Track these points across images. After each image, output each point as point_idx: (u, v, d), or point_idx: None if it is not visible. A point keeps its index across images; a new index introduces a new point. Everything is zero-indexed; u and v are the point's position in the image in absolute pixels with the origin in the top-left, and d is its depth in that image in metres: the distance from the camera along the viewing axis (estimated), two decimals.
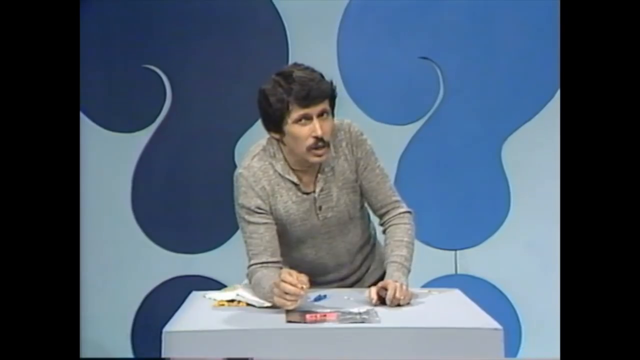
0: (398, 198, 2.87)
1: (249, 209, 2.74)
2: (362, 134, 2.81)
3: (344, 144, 2.78)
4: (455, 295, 2.77)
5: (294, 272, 2.47)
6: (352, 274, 2.92)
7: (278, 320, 2.38)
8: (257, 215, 2.74)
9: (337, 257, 2.85)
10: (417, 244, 4.31)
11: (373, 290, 2.60)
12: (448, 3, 4.33)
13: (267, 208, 2.75)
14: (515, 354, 4.29)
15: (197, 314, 2.55)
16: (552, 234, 4.07)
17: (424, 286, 3.58)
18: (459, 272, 4.39)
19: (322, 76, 2.69)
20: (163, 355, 2.28)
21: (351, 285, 2.91)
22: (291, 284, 2.43)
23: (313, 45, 4.25)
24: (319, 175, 2.77)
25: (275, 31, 4.28)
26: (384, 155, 4.25)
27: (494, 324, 2.32)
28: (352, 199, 2.82)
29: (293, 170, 2.76)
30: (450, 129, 4.36)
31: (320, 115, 2.65)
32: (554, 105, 4.28)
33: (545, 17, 4.24)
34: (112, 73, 4.33)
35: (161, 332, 2.29)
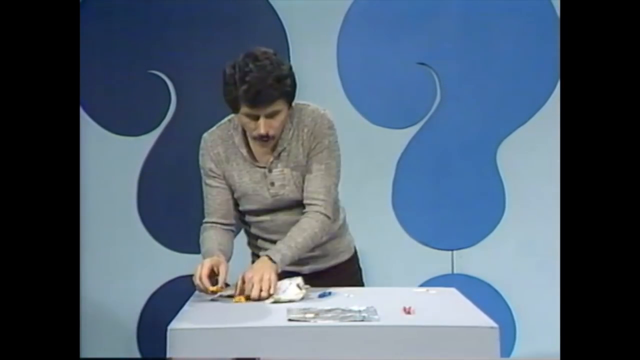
0: (325, 199, 2.80)
1: (204, 170, 2.87)
2: (328, 128, 2.79)
3: (306, 130, 2.78)
4: (452, 294, 2.78)
5: (208, 278, 2.62)
6: (317, 248, 2.88)
7: (280, 318, 2.39)
8: (211, 178, 2.85)
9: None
10: (415, 244, 4.41)
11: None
12: (445, 11, 4.33)
13: (220, 173, 2.84)
14: (509, 353, 4.29)
15: (201, 312, 2.55)
16: (546, 234, 4.14)
17: (421, 285, 3.66)
18: (455, 271, 4.39)
19: (282, 74, 2.63)
20: (168, 352, 2.27)
21: (315, 259, 2.92)
22: (203, 285, 2.62)
23: (313, 50, 4.25)
24: (273, 153, 2.80)
25: (276, 36, 4.26)
26: (382, 157, 4.37)
27: (490, 322, 2.32)
28: (302, 182, 2.82)
29: (248, 143, 2.81)
30: (447, 133, 4.36)
31: (268, 115, 2.66)
32: (547, 110, 4.30)
33: (540, 23, 4.26)
34: (118, 78, 4.32)
35: (166, 330, 2.29)
